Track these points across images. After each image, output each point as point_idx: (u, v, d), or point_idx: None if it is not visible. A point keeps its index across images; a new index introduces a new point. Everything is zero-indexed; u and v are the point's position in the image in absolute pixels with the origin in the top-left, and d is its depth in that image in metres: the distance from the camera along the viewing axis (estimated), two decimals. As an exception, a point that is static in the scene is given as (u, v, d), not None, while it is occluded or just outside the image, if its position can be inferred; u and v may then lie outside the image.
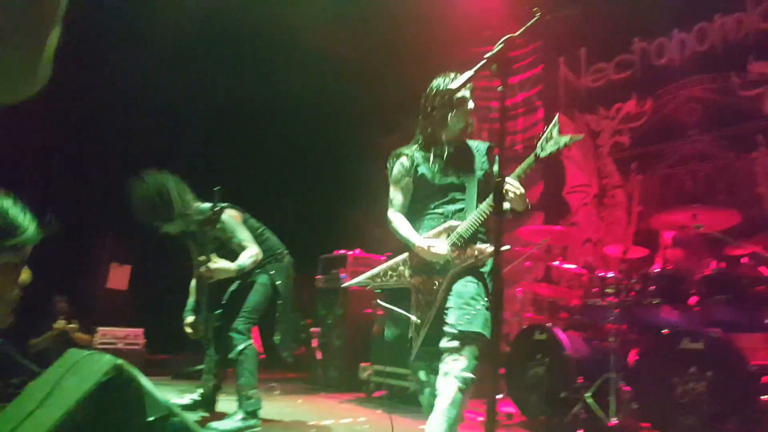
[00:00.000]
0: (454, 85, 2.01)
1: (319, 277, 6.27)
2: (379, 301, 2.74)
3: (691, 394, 3.24)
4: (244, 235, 3.68)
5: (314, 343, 5.85)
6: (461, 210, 2.70)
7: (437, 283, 2.60)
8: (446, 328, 2.48)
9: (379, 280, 2.72)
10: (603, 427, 3.51)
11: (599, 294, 3.98)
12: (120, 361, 1.38)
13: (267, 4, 6.76)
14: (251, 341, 3.64)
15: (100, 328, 5.99)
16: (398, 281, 2.70)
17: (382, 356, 5.09)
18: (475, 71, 1.86)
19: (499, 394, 4.39)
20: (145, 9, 6.61)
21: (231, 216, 3.69)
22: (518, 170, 2.61)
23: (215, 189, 3.41)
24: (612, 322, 3.74)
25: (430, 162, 2.79)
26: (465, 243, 2.58)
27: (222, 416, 3.61)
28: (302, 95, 8.27)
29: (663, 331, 3.57)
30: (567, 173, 6.68)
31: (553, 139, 2.52)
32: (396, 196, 2.84)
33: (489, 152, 2.86)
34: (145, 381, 1.43)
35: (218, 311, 3.76)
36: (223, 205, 3.50)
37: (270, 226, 4.07)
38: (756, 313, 3.61)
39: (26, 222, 1.57)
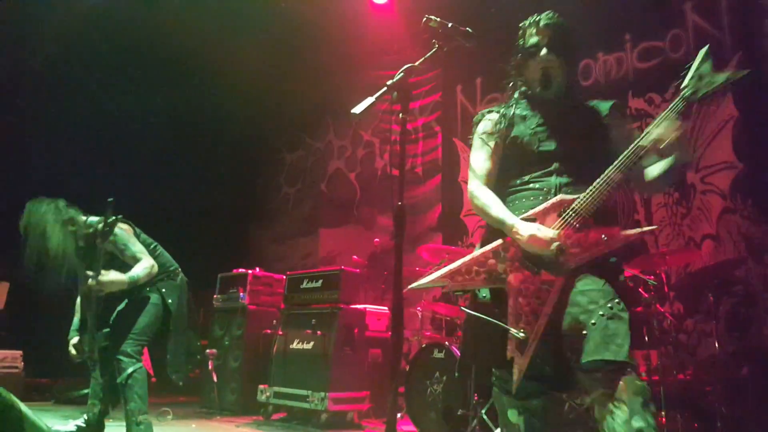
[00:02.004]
0: (357, 110, 1.87)
1: (217, 296, 6.10)
2: (462, 308, 2.12)
3: (579, 409, 3.43)
4: (137, 247, 3.53)
5: (210, 365, 5.66)
6: (573, 185, 2.06)
7: (547, 283, 1.94)
8: (585, 361, 1.79)
9: (460, 278, 2.04)
10: (496, 442, 3.64)
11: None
12: (-2, 388, 1.29)
13: (174, 19, 6.61)
14: (141, 364, 3.47)
15: (-28, 351, 5.52)
16: (488, 279, 2.03)
17: (281, 377, 5.01)
18: (377, 98, 1.92)
19: (399, 412, 4.46)
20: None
21: (123, 229, 3.54)
22: (666, 114, 1.96)
23: (108, 200, 3.24)
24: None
25: (527, 121, 2.21)
26: (585, 224, 1.94)
27: (109, 444, 3.42)
28: (204, 111, 8.12)
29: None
30: (464, 197, 6.95)
31: (707, 77, 1.94)
32: (480, 162, 2.24)
33: (614, 111, 2.22)
34: (25, 409, 1.34)
35: (105, 330, 3.55)
36: (116, 217, 3.34)
37: (167, 242, 3.93)
38: (636, 332, 3.82)
39: None
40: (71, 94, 7.05)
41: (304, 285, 5.27)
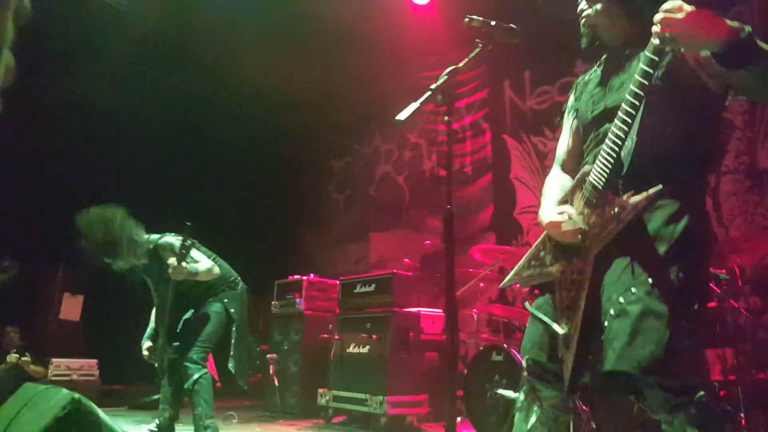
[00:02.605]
0: (401, 116, 1.84)
1: (275, 302, 6.23)
2: (526, 304, 1.99)
3: (648, 412, 3.29)
4: (199, 256, 3.75)
5: (271, 369, 5.79)
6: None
7: (579, 272, 1.74)
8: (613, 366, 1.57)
9: (525, 274, 1.98)
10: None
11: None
12: (77, 395, 1.37)
13: (218, 31, 6.80)
14: (206, 370, 3.62)
15: (54, 360, 5.88)
16: (542, 273, 1.92)
17: (340, 381, 5.07)
18: (421, 103, 1.91)
19: (458, 416, 4.43)
20: (92, 39, 6.57)
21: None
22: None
23: (186, 224, 3.49)
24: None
25: (588, 85, 2.01)
26: (603, 199, 1.68)
27: (179, 448, 3.57)
28: (254, 121, 8.30)
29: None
30: (517, 194, 6.86)
31: None
32: (560, 142, 2.08)
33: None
34: (102, 414, 1.42)
35: (175, 343, 3.73)
36: (192, 241, 3.55)
37: (224, 251, 4.07)
38: (709, 329, 3.65)
39: None
40: (134, 106, 7.34)
41: (358, 290, 5.32)
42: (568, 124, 2.07)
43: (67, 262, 7.27)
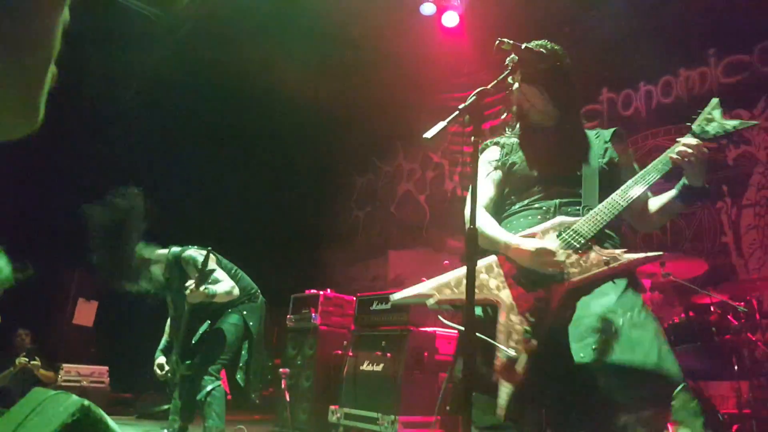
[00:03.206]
0: (428, 135, 1.85)
1: (290, 316, 6.21)
2: (440, 317, 2.02)
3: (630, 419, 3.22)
4: (220, 274, 3.74)
5: (283, 384, 5.75)
6: (573, 204, 2.07)
7: (543, 301, 1.87)
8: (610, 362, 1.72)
9: (449, 292, 1.99)
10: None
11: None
12: (87, 402, 1.36)
13: (247, 47, 6.89)
14: (220, 382, 3.60)
15: (65, 365, 5.88)
16: (479, 295, 1.92)
17: (351, 399, 5.01)
18: (448, 122, 1.91)
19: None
20: (128, 47, 6.70)
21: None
22: (673, 148, 2.03)
23: (208, 249, 3.55)
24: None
25: (526, 148, 2.29)
26: (586, 246, 1.91)
27: (187, 459, 3.54)
28: (276, 136, 8.35)
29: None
30: (537, 218, 6.78)
31: (715, 122, 2.04)
32: (481, 188, 2.26)
33: (616, 139, 2.24)
34: (111, 423, 1.41)
35: (187, 362, 3.71)
36: (212, 268, 3.56)
37: (242, 264, 4.07)
38: (725, 362, 3.64)
39: (1, 264, 1.57)
40: (160, 116, 7.44)
41: (374, 307, 5.27)
42: (492, 176, 2.30)
43: (84, 268, 7.34)
